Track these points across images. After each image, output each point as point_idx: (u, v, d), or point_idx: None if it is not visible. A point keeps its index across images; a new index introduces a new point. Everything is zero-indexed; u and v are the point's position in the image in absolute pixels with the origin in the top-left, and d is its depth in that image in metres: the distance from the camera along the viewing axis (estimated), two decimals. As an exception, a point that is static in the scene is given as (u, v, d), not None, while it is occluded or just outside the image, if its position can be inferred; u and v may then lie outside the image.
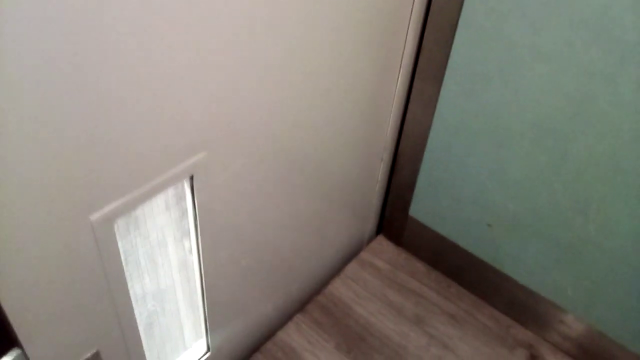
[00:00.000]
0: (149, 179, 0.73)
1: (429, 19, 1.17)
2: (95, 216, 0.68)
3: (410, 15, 1.16)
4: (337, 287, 1.43)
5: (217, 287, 1.01)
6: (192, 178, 0.81)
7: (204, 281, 0.97)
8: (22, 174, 0.57)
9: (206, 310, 1.02)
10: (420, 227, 1.47)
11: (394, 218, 1.53)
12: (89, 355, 0.77)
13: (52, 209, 0.62)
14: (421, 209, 1.46)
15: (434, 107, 1.27)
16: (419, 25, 1.19)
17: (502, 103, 1.15)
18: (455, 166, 1.31)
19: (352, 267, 1.49)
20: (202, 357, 1.10)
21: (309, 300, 1.40)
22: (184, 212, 0.88)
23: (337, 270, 1.50)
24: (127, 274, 0.79)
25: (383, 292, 1.43)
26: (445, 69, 1.21)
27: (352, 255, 1.54)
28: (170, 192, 0.83)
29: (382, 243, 1.56)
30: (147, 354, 0.93)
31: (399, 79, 1.26)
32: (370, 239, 1.60)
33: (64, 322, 0.72)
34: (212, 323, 1.06)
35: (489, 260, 1.37)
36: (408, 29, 1.18)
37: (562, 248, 1.22)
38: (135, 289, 0.86)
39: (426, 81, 1.25)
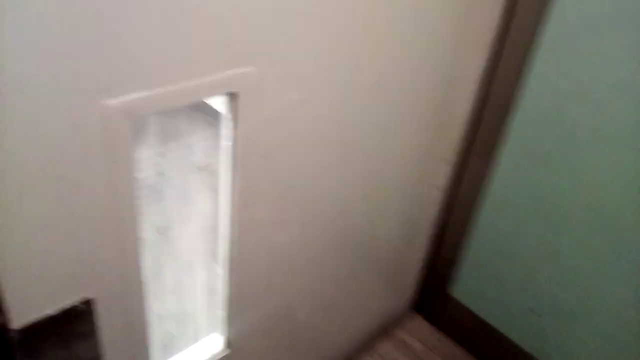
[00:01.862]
0: (179, 78, 0.61)
1: (489, 94, 1.17)
2: (110, 103, 0.56)
3: (469, 89, 1.16)
4: (368, 365, 1.34)
5: (246, 262, 0.87)
6: (233, 97, 0.69)
7: (231, 245, 0.82)
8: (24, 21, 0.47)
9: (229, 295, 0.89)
10: (460, 308, 1.38)
11: (432, 295, 1.45)
12: (78, 300, 0.63)
13: (60, 80, 0.51)
14: (462, 288, 1.37)
15: (486, 182, 1.24)
16: (477, 100, 1.19)
17: (559, 184, 1.11)
18: (503, 246, 1.25)
19: (385, 346, 1.40)
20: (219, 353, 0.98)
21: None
22: (216, 143, 0.76)
23: (365, 343, 1.41)
24: (138, 200, 0.66)
25: (414, 375, 1.32)
26: (500, 145, 1.18)
27: (382, 329, 1.46)
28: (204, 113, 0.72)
29: (418, 321, 1.47)
30: (147, 307, 0.78)
31: (453, 151, 1.24)
32: (404, 315, 1.51)
33: (52, 250, 0.59)
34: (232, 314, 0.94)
35: (533, 351, 1.25)
36: (466, 103, 1.18)
37: (617, 345, 1.10)
38: (146, 224, 0.74)
39: (480, 156, 1.23)
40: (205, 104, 0.84)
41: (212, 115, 0.81)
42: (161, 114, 0.99)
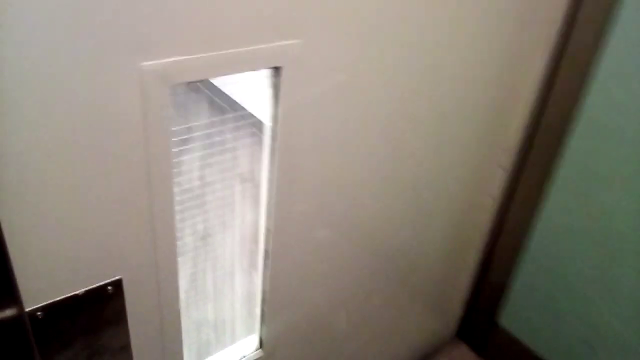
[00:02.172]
0: (221, 45, 0.58)
1: (544, 111, 1.12)
2: (146, 65, 0.53)
3: (522, 104, 1.11)
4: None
5: (282, 257, 0.82)
6: (278, 72, 0.65)
7: (268, 237, 0.78)
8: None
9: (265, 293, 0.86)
10: (508, 339, 1.30)
11: (478, 323, 1.37)
12: (106, 282, 0.60)
13: (95, 38, 0.49)
14: (512, 317, 1.29)
15: (539, 204, 1.17)
16: (531, 117, 1.14)
17: (621, 209, 1.03)
18: (557, 273, 1.17)
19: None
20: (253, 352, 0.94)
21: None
22: (261, 156, 0.74)
23: (406, 368, 1.35)
24: (174, 177, 0.63)
25: (455, 406, 1.24)
26: (556, 164, 1.12)
27: (424, 354, 1.38)
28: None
29: (462, 349, 1.39)
30: (181, 286, 0.74)
31: (503, 168, 1.18)
32: (448, 342, 1.43)
33: (79, 226, 0.56)
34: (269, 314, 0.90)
35: (587, 389, 1.15)
36: (518, 118, 1.12)
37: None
38: (187, 230, 0.72)
39: (532, 176, 1.17)
40: (252, 115, 0.84)
41: (258, 127, 0.80)
42: (208, 124, 1.01)
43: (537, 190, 1.16)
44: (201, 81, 0.74)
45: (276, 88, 0.67)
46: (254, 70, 0.64)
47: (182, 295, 0.77)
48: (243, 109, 0.83)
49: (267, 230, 0.78)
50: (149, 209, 0.61)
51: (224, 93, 0.96)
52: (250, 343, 0.92)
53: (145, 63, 0.54)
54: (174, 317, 0.71)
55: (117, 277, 0.61)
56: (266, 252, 0.80)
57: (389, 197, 0.96)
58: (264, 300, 0.86)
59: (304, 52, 0.66)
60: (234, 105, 0.87)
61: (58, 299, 0.57)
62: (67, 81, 0.50)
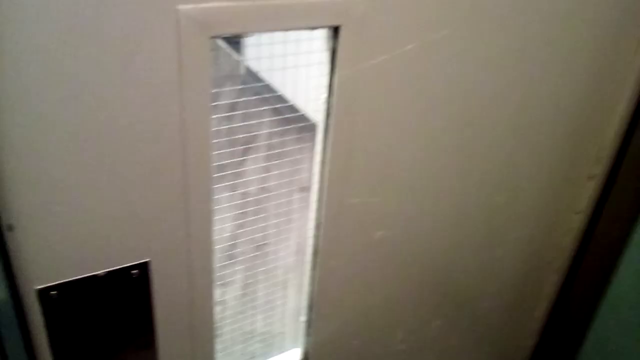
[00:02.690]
0: None
1: (632, 141, 0.97)
2: (184, 8, 0.48)
3: (620, 104, 0.96)
4: None
5: (334, 253, 0.75)
6: (334, 34, 0.58)
7: (319, 232, 0.71)
8: None
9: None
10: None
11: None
12: (132, 264, 0.54)
13: None
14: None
15: (622, 248, 1.03)
16: (630, 120, 0.98)
17: None
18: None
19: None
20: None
21: None
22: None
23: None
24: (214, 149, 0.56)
25: None
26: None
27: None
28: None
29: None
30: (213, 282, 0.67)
31: (582, 207, 1.06)
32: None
33: (99, 197, 0.50)
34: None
35: None
36: (615, 121, 0.97)
37: None
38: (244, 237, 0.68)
39: (615, 215, 1.03)
40: (315, 127, 0.80)
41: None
42: (272, 133, 1.00)
43: (620, 233, 1.02)
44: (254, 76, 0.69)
45: (333, 52, 0.58)
46: (307, 27, 0.56)
47: (218, 295, 0.72)
48: (307, 119, 0.78)
49: (317, 223, 0.70)
50: (184, 183, 0.54)
51: (288, 102, 0.92)
52: (293, 356, 0.85)
53: (182, 6, 0.47)
54: (206, 315, 0.64)
55: (144, 260, 0.54)
56: (315, 249, 0.72)
57: (454, 203, 0.85)
58: (310, 307, 0.77)
59: (366, 10, 0.57)
60: (300, 118, 0.84)
61: (76, 278, 0.51)
62: (94, 26, 0.44)
